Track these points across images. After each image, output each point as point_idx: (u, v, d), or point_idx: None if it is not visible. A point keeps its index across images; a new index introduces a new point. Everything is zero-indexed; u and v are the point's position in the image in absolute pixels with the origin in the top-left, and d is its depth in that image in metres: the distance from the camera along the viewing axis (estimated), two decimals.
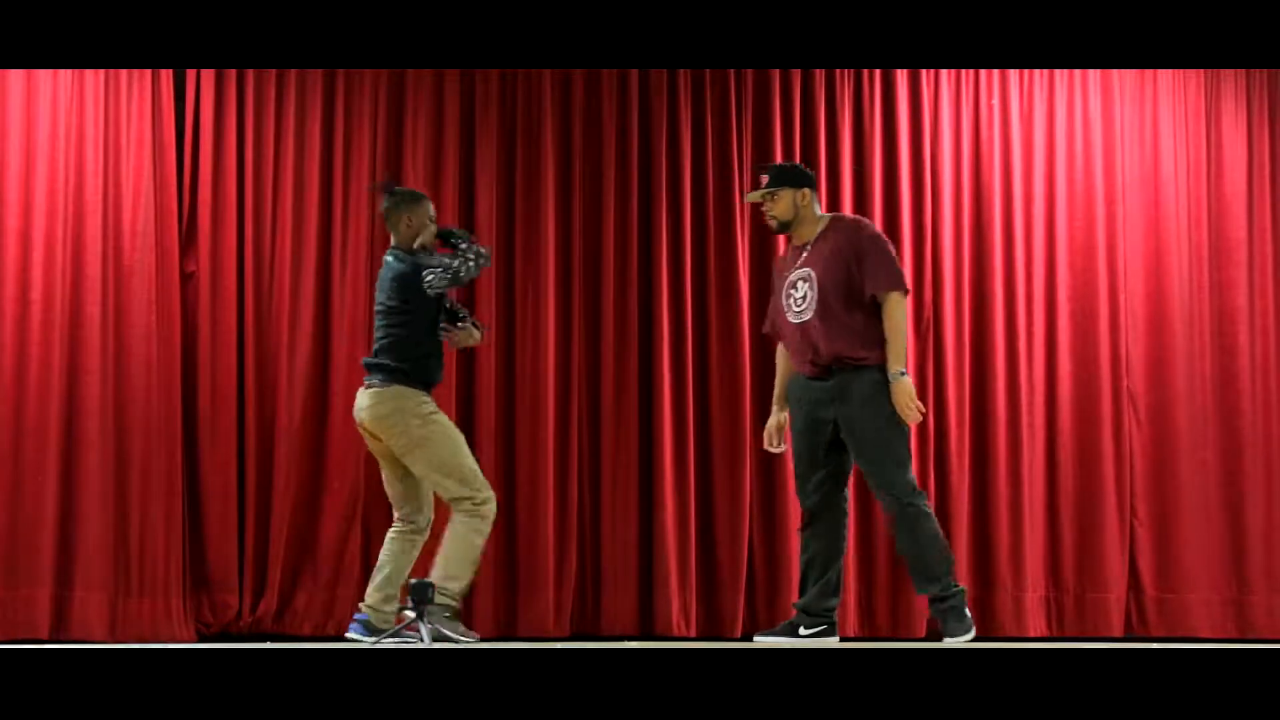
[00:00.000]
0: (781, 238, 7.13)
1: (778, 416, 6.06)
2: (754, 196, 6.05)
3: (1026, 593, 7.60)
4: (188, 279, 7.29)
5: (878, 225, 7.67)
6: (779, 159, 7.65)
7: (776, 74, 7.74)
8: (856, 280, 5.75)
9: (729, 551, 7.44)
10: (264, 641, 6.83)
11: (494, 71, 7.53)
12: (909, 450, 5.86)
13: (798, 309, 5.84)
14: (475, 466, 5.93)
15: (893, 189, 7.77)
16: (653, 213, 7.61)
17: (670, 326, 7.53)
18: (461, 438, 5.95)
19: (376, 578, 5.97)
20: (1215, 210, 8.00)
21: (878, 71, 7.81)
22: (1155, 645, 6.40)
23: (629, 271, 7.55)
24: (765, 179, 5.97)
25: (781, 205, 5.91)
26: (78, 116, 7.13)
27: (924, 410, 5.81)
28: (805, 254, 5.88)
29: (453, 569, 5.80)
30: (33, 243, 7.00)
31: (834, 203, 7.71)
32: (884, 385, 5.67)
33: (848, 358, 5.72)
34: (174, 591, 7.04)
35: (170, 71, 7.26)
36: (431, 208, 6.08)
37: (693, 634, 7.33)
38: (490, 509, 5.87)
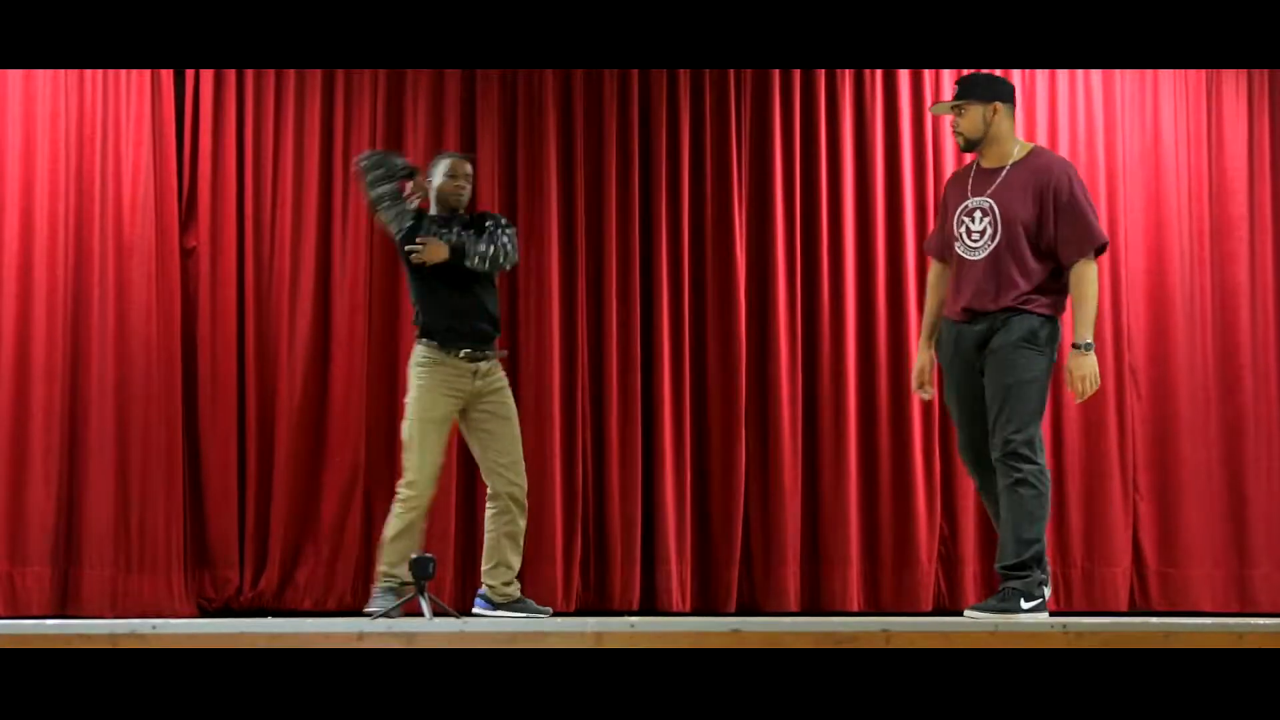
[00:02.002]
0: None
1: (927, 354, 5.30)
2: (941, 109, 5.36)
3: None
4: (188, 255, 7.29)
5: (880, 216, 7.68)
6: (778, 158, 7.66)
7: (776, 74, 7.72)
8: (1047, 229, 5.06)
9: (723, 527, 7.44)
10: (265, 617, 6.84)
11: (494, 71, 7.51)
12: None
13: (973, 244, 5.11)
14: (425, 455, 5.84)
15: (895, 175, 7.74)
16: (653, 207, 7.60)
17: (670, 314, 7.53)
18: (435, 418, 5.86)
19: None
20: (1216, 186, 7.97)
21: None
22: (1156, 619, 6.40)
23: (630, 265, 7.55)
24: (956, 91, 5.25)
25: (969, 120, 5.16)
26: (78, 93, 7.13)
27: (1094, 386, 5.08)
28: (995, 182, 5.13)
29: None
30: (34, 220, 7.01)
31: (835, 195, 7.70)
32: (1043, 337, 5.03)
33: (1012, 307, 5.04)
34: (175, 567, 7.06)
35: None
36: (437, 167, 6.05)
37: (688, 609, 7.34)
38: (403, 500, 5.86)
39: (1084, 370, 5.02)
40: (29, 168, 7.02)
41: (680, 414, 7.50)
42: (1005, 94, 5.20)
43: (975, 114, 5.16)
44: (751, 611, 7.38)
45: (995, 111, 5.16)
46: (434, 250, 5.79)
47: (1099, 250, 5.08)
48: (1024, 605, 4.95)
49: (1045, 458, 5.08)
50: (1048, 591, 5.08)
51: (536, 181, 7.54)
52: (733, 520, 7.43)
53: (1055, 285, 5.09)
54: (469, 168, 6.09)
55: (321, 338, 7.33)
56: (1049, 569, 5.08)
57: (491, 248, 5.83)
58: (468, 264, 5.81)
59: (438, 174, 6.02)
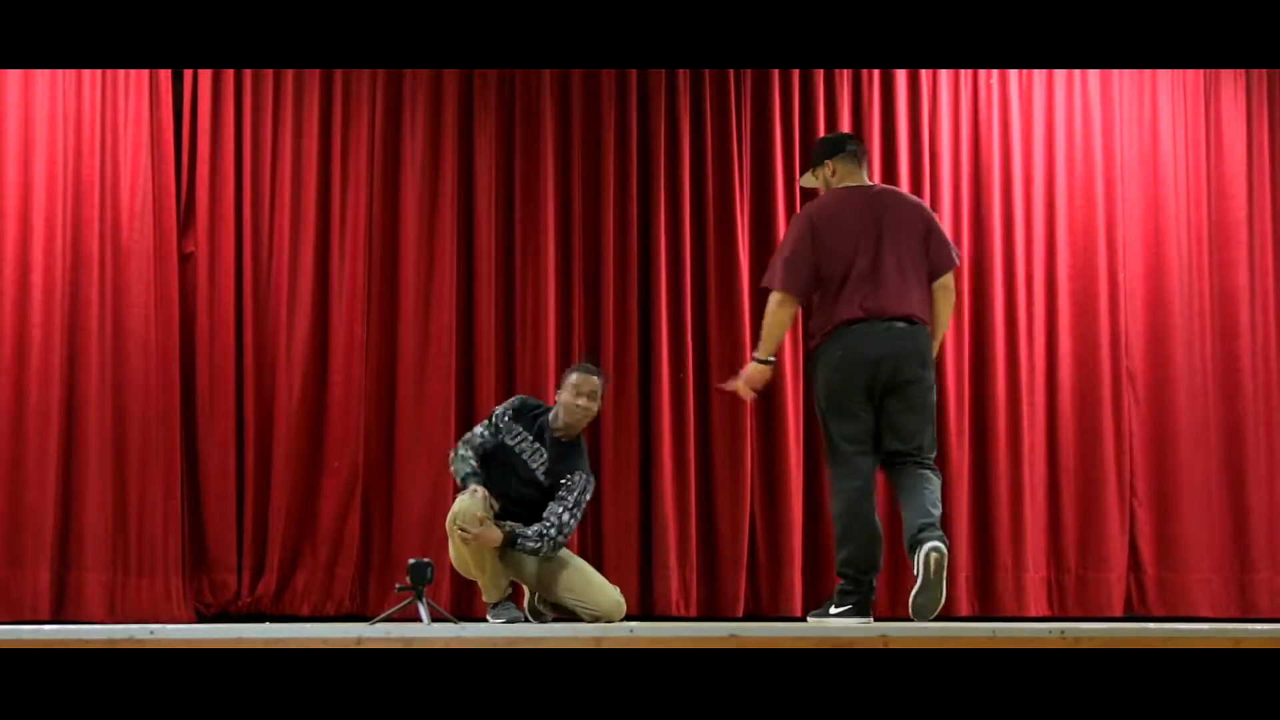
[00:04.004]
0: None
1: None
2: (805, 181, 5.80)
3: (1027, 573, 7.60)
4: (186, 259, 7.29)
5: None
6: (778, 158, 7.69)
7: (776, 74, 7.72)
8: None
9: (730, 531, 7.44)
10: (263, 621, 6.84)
11: (492, 71, 7.51)
12: (832, 439, 5.45)
13: None
14: None
15: (891, 174, 7.74)
16: (652, 208, 7.61)
17: (669, 315, 7.54)
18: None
19: None
20: (1215, 190, 7.98)
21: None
22: (1154, 625, 6.40)
23: (629, 264, 7.55)
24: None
25: (819, 183, 5.64)
26: (75, 96, 7.13)
27: (751, 395, 5.65)
28: None
29: None
30: (32, 224, 7.01)
31: None
32: (809, 370, 5.52)
33: None
34: (173, 571, 7.05)
35: None
36: (571, 380, 5.89)
37: (693, 614, 7.34)
38: None
39: (748, 375, 5.56)
40: (27, 171, 7.02)
41: (682, 418, 7.49)
42: (832, 150, 5.61)
43: (819, 177, 5.60)
44: (758, 616, 7.38)
45: (831, 169, 5.56)
46: (488, 538, 5.68)
47: (780, 289, 5.44)
48: (831, 611, 5.33)
49: (841, 469, 5.39)
50: (860, 601, 5.32)
51: (534, 182, 7.55)
52: (740, 525, 7.43)
53: (816, 318, 5.47)
54: (597, 383, 5.90)
55: (320, 342, 7.33)
56: (860, 576, 5.32)
57: (541, 543, 5.72)
58: (521, 545, 5.74)
59: (565, 408, 5.85)
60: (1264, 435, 7.84)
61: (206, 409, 7.22)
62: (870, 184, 5.59)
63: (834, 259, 5.35)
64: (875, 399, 5.34)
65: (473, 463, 5.81)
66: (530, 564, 5.88)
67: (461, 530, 5.63)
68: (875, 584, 5.40)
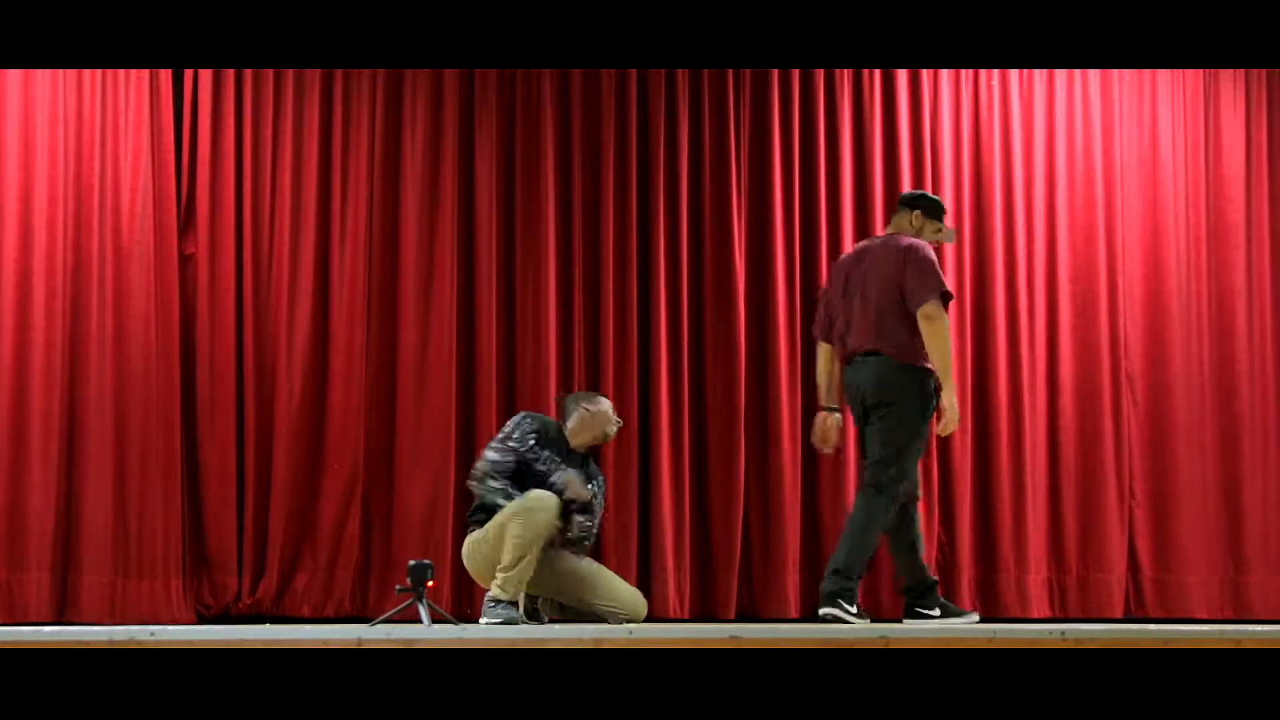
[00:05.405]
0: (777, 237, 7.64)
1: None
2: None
3: (1029, 574, 7.60)
4: (186, 261, 7.28)
5: (880, 219, 7.69)
6: (777, 159, 7.69)
7: (775, 74, 7.72)
8: None
9: (723, 534, 7.43)
10: (264, 623, 6.84)
11: (492, 71, 7.51)
12: None
13: None
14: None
15: (893, 174, 7.74)
16: (651, 210, 7.60)
17: (667, 318, 7.52)
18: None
19: None
20: (1213, 192, 7.98)
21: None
22: (1152, 626, 6.40)
23: (628, 267, 7.53)
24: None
25: None
26: (76, 98, 7.12)
27: (827, 449, 6.28)
28: None
29: None
30: (33, 226, 7.00)
31: (834, 197, 7.70)
32: None
33: None
34: (174, 573, 7.04)
35: None
36: (602, 409, 6.28)
37: (687, 616, 7.34)
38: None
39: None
40: (27, 173, 7.02)
41: (679, 420, 7.49)
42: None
43: None
44: (751, 618, 7.37)
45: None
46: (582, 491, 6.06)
47: (816, 336, 6.27)
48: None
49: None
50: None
51: (534, 183, 7.54)
52: (732, 527, 7.42)
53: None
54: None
55: (320, 343, 7.32)
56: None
57: (593, 527, 6.19)
58: (572, 531, 6.08)
59: (597, 424, 6.22)
60: (1259, 437, 7.84)
61: (207, 410, 7.21)
62: (879, 235, 6.23)
63: (832, 308, 6.11)
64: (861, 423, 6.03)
65: (512, 490, 5.98)
66: (561, 572, 6.07)
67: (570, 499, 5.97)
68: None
